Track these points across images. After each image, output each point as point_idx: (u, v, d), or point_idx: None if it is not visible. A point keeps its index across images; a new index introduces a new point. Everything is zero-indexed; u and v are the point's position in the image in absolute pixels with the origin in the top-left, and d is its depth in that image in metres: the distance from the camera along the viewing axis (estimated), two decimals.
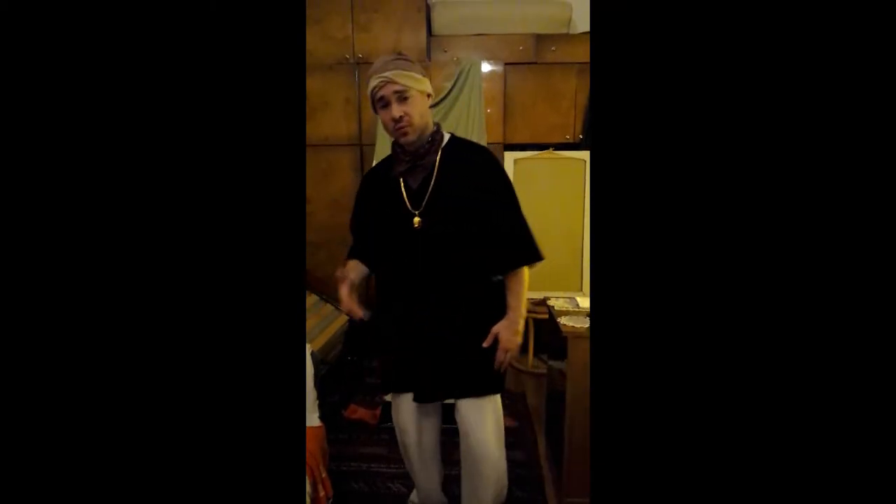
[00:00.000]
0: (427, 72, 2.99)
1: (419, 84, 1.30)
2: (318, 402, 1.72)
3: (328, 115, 3.00)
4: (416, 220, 1.34)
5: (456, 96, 2.90)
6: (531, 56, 2.86)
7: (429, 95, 1.35)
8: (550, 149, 2.80)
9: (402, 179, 1.38)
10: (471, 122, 2.89)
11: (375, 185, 1.45)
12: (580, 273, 2.65)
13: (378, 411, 2.40)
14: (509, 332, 1.35)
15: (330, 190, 3.06)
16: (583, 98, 2.87)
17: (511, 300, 1.37)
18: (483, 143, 2.89)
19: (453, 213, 1.33)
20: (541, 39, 2.85)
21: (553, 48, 2.85)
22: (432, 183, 1.35)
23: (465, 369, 1.39)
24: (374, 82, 1.29)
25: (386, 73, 1.26)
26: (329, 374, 2.46)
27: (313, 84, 2.92)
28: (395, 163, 1.39)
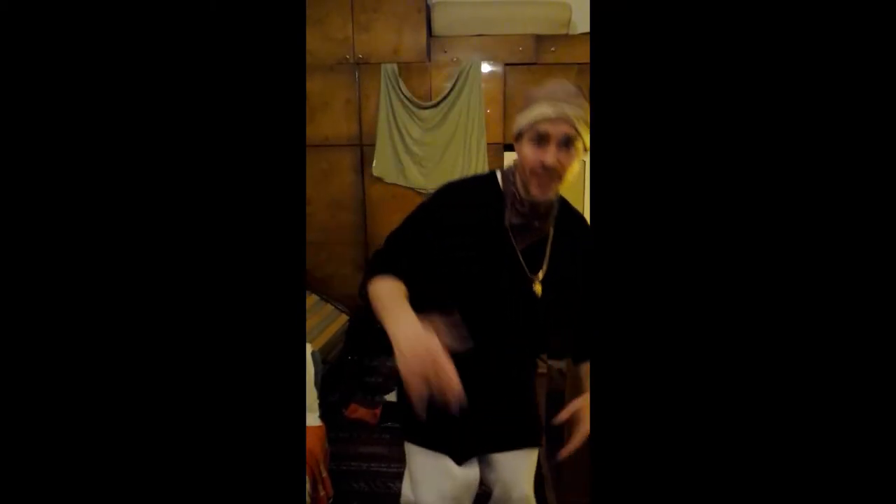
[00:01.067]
0: (427, 73, 3.00)
1: (586, 135, 1.00)
2: (318, 401, 1.73)
3: (328, 115, 3.00)
4: (538, 287, 1.09)
5: (456, 97, 2.90)
6: (531, 57, 2.87)
7: (586, 149, 1.03)
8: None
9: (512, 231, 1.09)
10: (471, 122, 2.89)
11: (465, 217, 1.11)
12: None
13: (378, 411, 2.40)
14: (587, 411, 1.01)
15: (330, 190, 3.06)
16: None
17: (586, 380, 1.14)
18: (483, 143, 2.91)
19: (561, 289, 1.11)
20: (540, 40, 2.85)
21: (553, 49, 2.85)
22: (549, 251, 1.11)
23: (515, 418, 1.19)
24: (543, 110, 0.98)
25: (566, 109, 0.96)
26: (329, 374, 2.46)
27: (313, 84, 2.92)
28: (504, 207, 1.09)
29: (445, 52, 2.95)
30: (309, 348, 1.86)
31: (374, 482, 1.93)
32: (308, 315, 2.61)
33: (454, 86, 2.90)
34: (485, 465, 1.20)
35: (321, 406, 1.80)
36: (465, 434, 1.13)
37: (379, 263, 1.09)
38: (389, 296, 0.99)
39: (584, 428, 0.97)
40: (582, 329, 1.17)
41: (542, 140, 0.99)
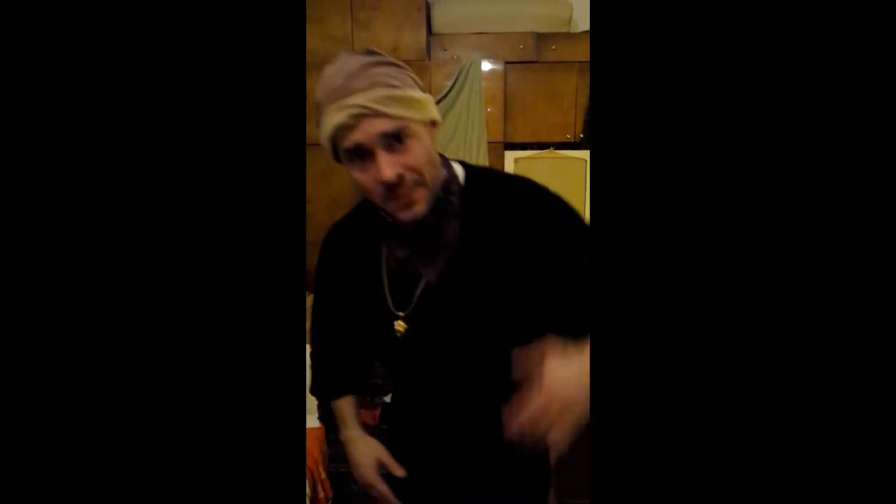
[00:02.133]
0: (427, 71, 3.00)
1: (421, 109, 0.72)
2: (317, 403, 1.72)
3: None
4: (400, 325, 0.85)
5: (456, 95, 2.90)
6: (531, 55, 2.86)
7: (434, 124, 0.77)
8: (551, 148, 2.80)
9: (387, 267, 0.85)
10: (471, 120, 2.89)
11: (347, 263, 0.91)
12: None
13: (377, 412, 2.39)
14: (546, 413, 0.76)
15: (330, 190, 3.05)
16: (583, 97, 2.86)
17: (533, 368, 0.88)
18: (483, 142, 2.90)
19: (460, 316, 0.83)
20: (541, 38, 2.85)
21: (554, 47, 2.84)
22: (433, 281, 0.83)
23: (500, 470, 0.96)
24: (335, 118, 0.70)
25: (358, 100, 0.68)
26: None
27: (313, 83, 2.91)
28: (384, 243, 0.86)
29: (445, 49, 2.95)
30: (309, 349, 1.86)
31: None
32: (308, 315, 2.61)
33: (454, 84, 2.89)
34: None
35: (320, 408, 1.79)
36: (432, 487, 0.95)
37: (320, 389, 1.09)
38: (341, 418, 1.08)
39: (553, 439, 0.70)
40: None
41: (359, 155, 0.73)
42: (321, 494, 1.53)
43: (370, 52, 0.72)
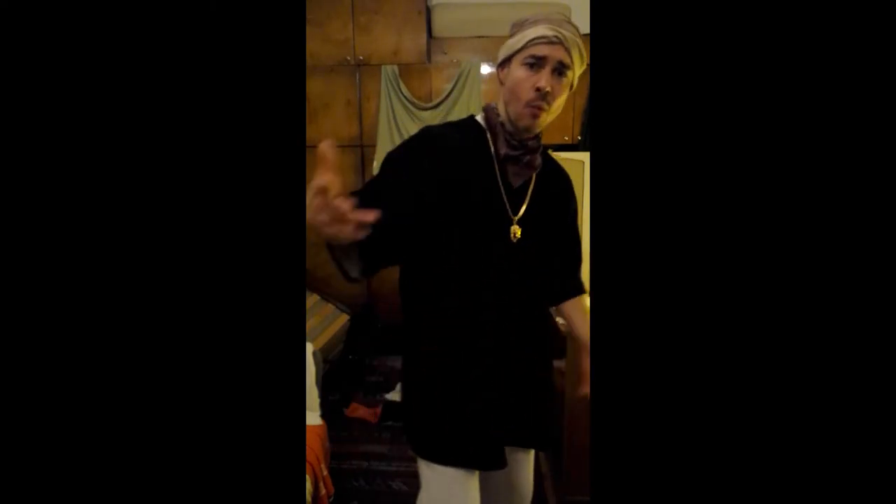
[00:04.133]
0: (427, 74, 3.01)
1: (579, 67, 0.96)
2: (319, 400, 1.73)
3: (329, 116, 3.00)
4: (516, 230, 0.99)
5: (456, 98, 2.91)
6: None
7: (572, 87, 0.99)
8: (549, 150, 2.80)
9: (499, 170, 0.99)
10: None
11: (448, 158, 0.98)
12: None
13: (379, 410, 2.40)
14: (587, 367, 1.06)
15: None
16: (582, 99, 2.87)
17: (583, 329, 1.12)
18: None
19: (547, 231, 1.05)
20: None
21: None
22: (531, 188, 1.02)
23: (539, 415, 1.07)
24: (541, 31, 0.92)
25: (564, 32, 0.91)
26: (330, 373, 2.47)
27: (314, 86, 2.93)
28: (496, 141, 1.00)
29: (445, 53, 2.96)
30: (310, 348, 1.87)
31: (375, 481, 1.93)
32: (309, 315, 2.62)
33: (454, 87, 2.90)
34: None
35: (322, 405, 1.80)
36: (490, 439, 1.01)
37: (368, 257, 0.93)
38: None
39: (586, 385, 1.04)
40: (569, 265, 1.14)
41: (536, 63, 0.93)
42: (323, 491, 1.54)
43: (567, 18, 0.97)
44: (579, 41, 0.94)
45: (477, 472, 1.04)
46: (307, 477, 1.45)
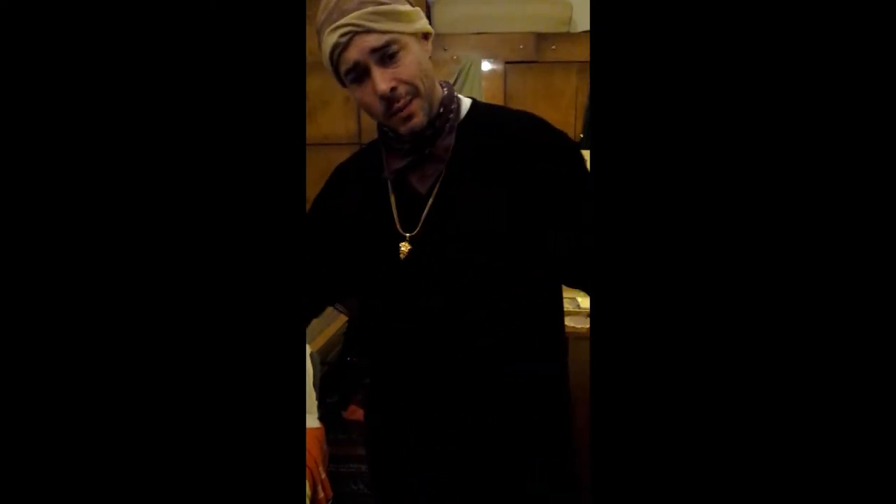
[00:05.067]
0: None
1: (409, 21, 0.75)
2: (317, 402, 1.72)
3: (327, 114, 2.99)
4: (403, 247, 0.82)
5: None
6: (531, 55, 2.86)
7: (426, 36, 0.80)
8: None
9: (391, 183, 0.86)
10: None
11: (350, 191, 0.92)
12: None
13: None
14: None
15: None
16: (583, 97, 2.86)
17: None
18: None
19: (465, 235, 0.80)
20: (541, 38, 2.85)
21: (553, 47, 2.84)
22: (437, 186, 0.82)
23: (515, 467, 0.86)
24: (331, 39, 0.74)
25: (352, 19, 0.71)
26: (328, 375, 2.46)
27: (313, 83, 2.91)
28: (386, 155, 0.86)
29: (445, 49, 2.95)
30: (308, 349, 1.86)
31: None
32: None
33: (454, 84, 2.89)
34: None
35: (320, 407, 1.79)
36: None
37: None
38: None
39: None
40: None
41: (356, 74, 0.76)
42: (321, 494, 1.53)
43: None
44: (380, 6, 0.72)
45: None
46: (305, 480, 1.45)
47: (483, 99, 2.88)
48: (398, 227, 0.84)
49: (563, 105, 2.86)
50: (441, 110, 0.82)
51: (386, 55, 0.74)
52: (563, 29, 2.93)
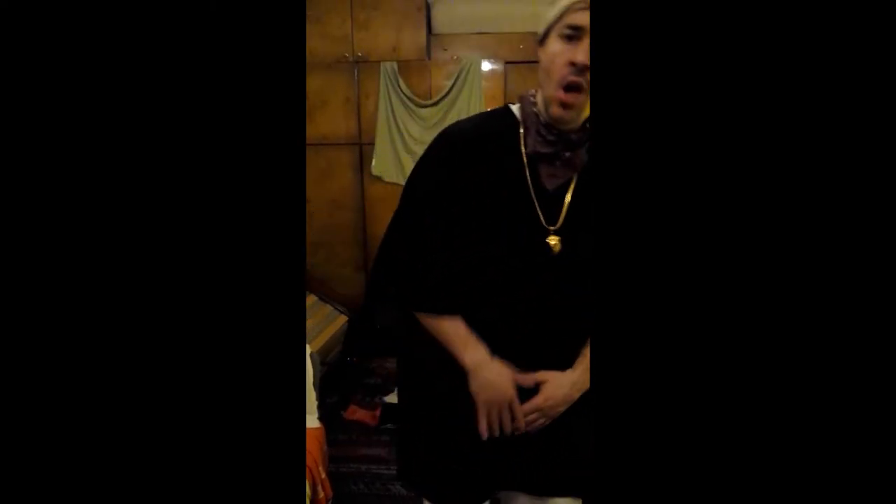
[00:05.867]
0: (427, 71, 3.00)
1: None
2: (317, 403, 1.72)
3: (327, 114, 2.99)
4: (554, 240, 0.84)
5: (456, 95, 2.90)
6: (531, 55, 2.86)
7: None
8: None
9: (529, 169, 0.84)
10: None
11: (468, 161, 0.87)
12: None
13: (378, 412, 2.39)
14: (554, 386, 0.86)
15: (330, 189, 3.06)
16: None
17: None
18: None
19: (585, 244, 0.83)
20: None
21: None
22: (571, 192, 0.84)
23: (563, 457, 0.89)
24: None
25: None
26: (328, 375, 2.46)
27: (312, 83, 2.91)
28: (526, 135, 0.85)
29: (445, 49, 2.95)
30: (308, 349, 1.86)
31: (374, 484, 1.92)
32: (307, 316, 2.61)
33: (454, 84, 2.90)
34: None
35: (320, 408, 1.79)
36: (479, 479, 0.89)
37: (429, 302, 0.88)
38: (462, 339, 0.85)
39: (540, 399, 0.82)
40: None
41: (574, 35, 0.76)
42: (321, 495, 1.53)
43: None
44: None
45: None
46: (305, 480, 1.44)
47: (483, 99, 2.90)
48: (542, 220, 0.84)
49: None
50: (587, 125, 0.84)
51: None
52: None
